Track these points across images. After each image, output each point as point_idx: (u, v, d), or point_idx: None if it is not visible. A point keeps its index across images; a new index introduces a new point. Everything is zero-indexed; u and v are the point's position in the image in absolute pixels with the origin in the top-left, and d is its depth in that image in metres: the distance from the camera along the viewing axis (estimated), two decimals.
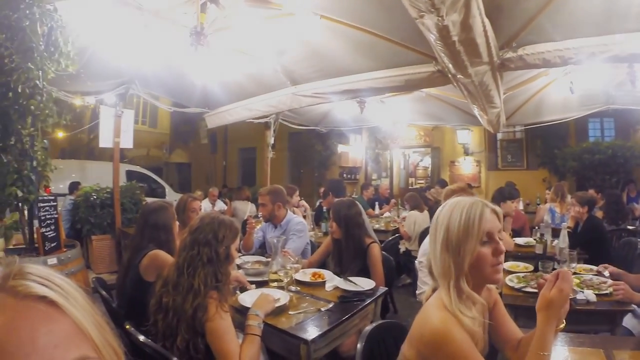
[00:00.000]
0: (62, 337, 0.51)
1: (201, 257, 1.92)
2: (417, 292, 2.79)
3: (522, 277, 2.89)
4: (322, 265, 3.44)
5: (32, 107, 3.38)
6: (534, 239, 3.97)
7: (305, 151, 12.84)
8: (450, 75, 3.23)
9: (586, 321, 2.41)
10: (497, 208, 1.38)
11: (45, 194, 4.12)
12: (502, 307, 1.59)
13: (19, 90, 3.27)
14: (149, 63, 4.47)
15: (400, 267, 4.96)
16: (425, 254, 2.77)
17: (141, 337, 1.97)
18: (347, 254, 3.16)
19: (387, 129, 11.12)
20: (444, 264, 1.33)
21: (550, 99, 5.86)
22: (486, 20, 2.51)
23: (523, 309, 2.44)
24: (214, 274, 1.91)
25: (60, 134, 11.29)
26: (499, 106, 4.26)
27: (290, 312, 2.33)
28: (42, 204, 3.87)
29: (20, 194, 3.45)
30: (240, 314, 2.20)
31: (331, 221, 3.26)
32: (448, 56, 2.78)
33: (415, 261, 2.87)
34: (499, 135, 11.04)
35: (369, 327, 1.95)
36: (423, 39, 2.66)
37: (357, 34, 3.42)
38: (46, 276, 0.54)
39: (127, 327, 2.05)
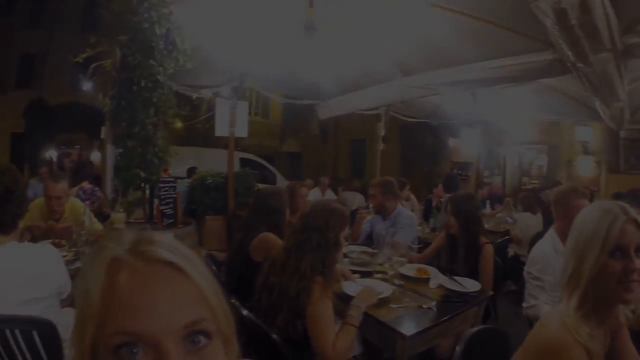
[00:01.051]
0: (185, 299, 0.56)
1: (310, 242, 1.97)
2: (524, 305, 2.56)
3: None
4: (431, 261, 3.34)
5: (154, 99, 3.80)
6: None
7: (416, 144, 12.48)
8: (569, 64, 2.94)
9: None
10: None
11: (166, 176, 4.56)
12: (626, 333, 1.41)
13: (142, 85, 3.69)
14: (261, 57, 4.67)
15: (507, 272, 4.65)
16: (535, 263, 2.55)
17: (244, 312, 2.08)
18: (460, 250, 2.99)
19: (500, 123, 10.41)
20: (567, 270, 1.24)
21: None
22: (606, 1, 2.25)
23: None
24: (321, 260, 1.96)
25: (179, 124, 12.25)
26: (622, 99, 3.79)
27: (391, 305, 2.30)
28: (162, 185, 4.29)
29: (143, 174, 3.89)
30: (342, 301, 2.23)
31: (449, 215, 3.11)
32: (567, 43, 2.50)
33: (524, 270, 2.63)
34: (622, 133, 9.68)
35: (471, 331, 1.86)
36: (538, 25, 2.45)
37: (468, 21, 3.22)
38: (173, 245, 0.60)
39: (232, 301, 2.19)
